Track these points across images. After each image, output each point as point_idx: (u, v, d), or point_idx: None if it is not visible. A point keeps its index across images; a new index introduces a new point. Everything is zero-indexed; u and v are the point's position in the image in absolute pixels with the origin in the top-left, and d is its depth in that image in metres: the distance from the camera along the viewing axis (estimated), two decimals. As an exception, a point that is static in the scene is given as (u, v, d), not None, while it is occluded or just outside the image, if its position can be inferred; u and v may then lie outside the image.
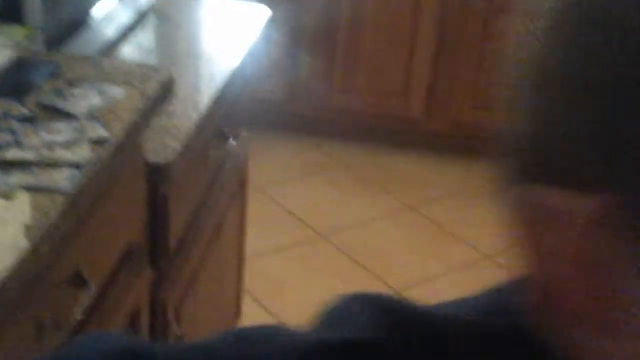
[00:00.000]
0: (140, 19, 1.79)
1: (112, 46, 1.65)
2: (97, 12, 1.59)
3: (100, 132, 1.10)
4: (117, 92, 1.20)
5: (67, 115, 1.14)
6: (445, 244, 2.88)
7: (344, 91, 3.24)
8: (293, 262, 2.74)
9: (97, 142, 1.09)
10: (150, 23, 1.82)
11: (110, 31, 1.66)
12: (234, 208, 1.96)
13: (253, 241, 2.71)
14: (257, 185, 3.07)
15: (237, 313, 2.14)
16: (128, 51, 1.67)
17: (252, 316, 2.37)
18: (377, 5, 3.11)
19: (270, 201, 3.03)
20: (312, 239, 2.85)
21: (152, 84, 1.24)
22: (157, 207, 1.41)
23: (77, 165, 1.04)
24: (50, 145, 1.07)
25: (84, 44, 1.52)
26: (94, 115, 1.13)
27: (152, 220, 1.41)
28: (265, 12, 1.91)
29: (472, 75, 3.15)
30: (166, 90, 1.25)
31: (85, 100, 1.16)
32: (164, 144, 1.37)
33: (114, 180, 1.16)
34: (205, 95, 1.54)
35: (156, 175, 1.34)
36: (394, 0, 3.10)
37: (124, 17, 1.72)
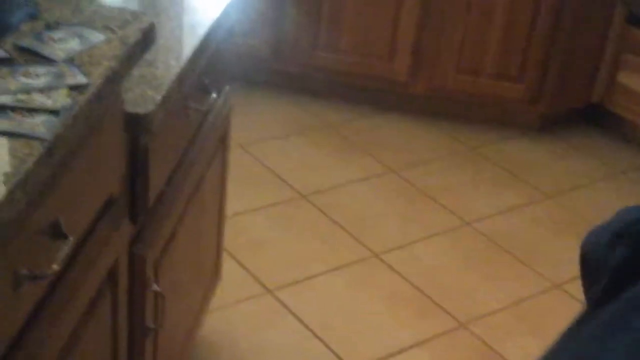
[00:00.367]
0: (122, -34, 1.73)
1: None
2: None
3: (79, 78, 1.06)
4: (96, 37, 1.15)
5: (46, 60, 1.09)
6: (425, 208, 2.86)
7: (328, 50, 3.20)
8: (273, 221, 2.71)
9: (75, 88, 1.04)
10: (133, -30, 1.76)
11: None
12: (215, 164, 1.92)
13: (233, 199, 2.68)
14: (240, 142, 3.03)
15: (217, 272, 2.11)
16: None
17: (231, 275, 2.35)
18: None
19: (252, 159, 2.99)
20: (293, 199, 2.82)
21: (133, 30, 1.19)
22: (137, 158, 1.37)
23: (54, 112, 1.00)
24: (27, 90, 1.03)
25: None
26: (72, 61, 1.09)
27: (132, 172, 1.37)
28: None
29: (457, 40, 3.11)
30: (147, 38, 1.21)
31: (64, 44, 1.12)
32: (143, 94, 1.33)
33: (93, 128, 1.12)
34: (187, 45, 1.50)
35: (136, 125, 1.30)
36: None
37: (106, -37, 1.66)
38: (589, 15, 3.16)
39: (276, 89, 3.33)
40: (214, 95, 1.70)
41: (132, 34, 1.19)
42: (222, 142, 1.96)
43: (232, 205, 2.65)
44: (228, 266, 2.33)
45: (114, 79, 1.12)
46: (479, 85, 3.17)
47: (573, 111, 3.38)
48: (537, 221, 2.87)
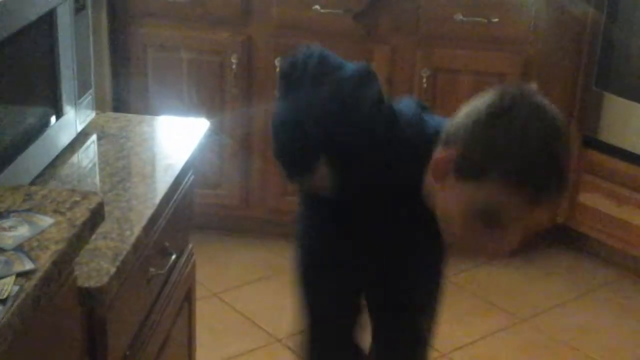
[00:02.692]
0: (80, 138, 1.83)
1: (50, 169, 1.68)
2: (34, 134, 1.62)
3: (27, 264, 1.12)
4: (46, 221, 1.21)
5: (-5, 249, 1.15)
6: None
7: (297, 194, 3.28)
8: (251, 369, 2.72)
9: (23, 275, 1.10)
10: (91, 141, 1.86)
11: (47, 154, 1.68)
12: (180, 320, 1.95)
13: (211, 349, 2.70)
14: (214, 291, 3.07)
15: None
16: (66, 173, 1.69)
17: None
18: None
19: (227, 307, 3.03)
20: (270, 344, 2.84)
21: (82, 211, 1.26)
22: (94, 330, 1.41)
23: (1, 301, 1.05)
24: (-24, 280, 1.08)
25: (21, 171, 1.55)
26: (21, 247, 1.15)
27: (90, 343, 1.41)
28: (204, 125, 1.96)
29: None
30: (95, 216, 1.27)
31: (13, 232, 1.18)
32: (97, 267, 1.38)
33: (44, 309, 1.17)
34: (142, 214, 1.56)
35: (90, 298, 1.35)
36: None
37: (63, 137, 1.75)
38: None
39: (247, 235, 3.40)
40: (174, 256, 1.76)
41: (81, 214, 1.26)
42: (187, 298, 2.00)
43: (210, 355, 2.68)
44: (204, 420, 2.33)
45: (63, 261, 1.18)
46: (445, 216, 3.25)
47: (540, 233, 3.45)
48: (515, 346, 2.89)
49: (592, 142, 3.29)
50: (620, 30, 3.15)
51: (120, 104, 3.18)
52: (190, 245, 1.99)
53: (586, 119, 3.29)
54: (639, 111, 3.13)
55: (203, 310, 2.69)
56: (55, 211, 1.26)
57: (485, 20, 3.04)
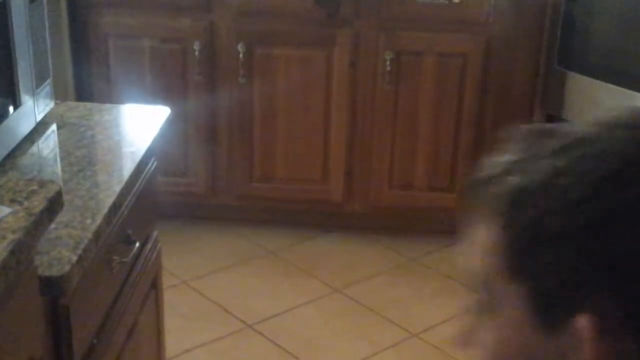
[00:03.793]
0: (39, 127, 1.81)
1: (9, 159, 1.66)
2: (-7, 127, 1.60)
3: (-17, 254, 1.11)
4: (3, 211, 1.20)
5: (-48, 239, 1.14)
6: (373, 324, 2.90)
7: (264, 180, 3.29)
8: (222, 355, 2.72)
9: (-20, 265, 1.09)
10: (50, 131, 1.84)
11: (6, 144, 1.67)
12: (147, 308, 1.95)
13: (181, 337, 2.70)
14: (183, 279, 3.07)
15: (161, 415, 2.11)
16: (26, 163, 1.68)
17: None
18: (289, 96, 3.18)
19: (196, 294, 3.02)
20: (240, 330, 2.84)
21: (39, 199, 1.25)
22: (58, 319, 1.41)
23: (-42, 290, 1.04)
24: None
25: (-22, 161, 1.53)
26: (-23, 237, 1.14)
27: (54, 332, 1.41)
28: (165, 112, 1.95)
29: (387, 158, 3.23)
30: (54, 205, 1.27)
31: (-31, 222, 1.17)
32: (59, 255, 1.38)
33: (4, 300, 1.16)
34: (103, 202, 1.56)
35: (52, 288, 1.34)
36: (305, 90, 3.17)
37: (22, 127, 1.74)
38: (509, 124, 3.31)
39: (216, 222, 3.39)
40: (137, 244, 1.76)
41: (39, 203, 1.25)
42: (154, 286, 2.00)
43: (179, 342, 2.68)
44: (175, 407, 2.33)
45: (20, 250, 1.17)
46: (412, 198, 3.27)
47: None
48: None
49: (556, 121, 3.32)
50: (581, 8, 3.17)
51: (82, 94, 3.16)
52: (155, 233, 1.99)
53: (549, 97, 3.32)
54: (601, 89, 3.16)
55: (173, 298, 2.69)
56: (13, 200, 1.24)
57: (447, 2, 3.05)
